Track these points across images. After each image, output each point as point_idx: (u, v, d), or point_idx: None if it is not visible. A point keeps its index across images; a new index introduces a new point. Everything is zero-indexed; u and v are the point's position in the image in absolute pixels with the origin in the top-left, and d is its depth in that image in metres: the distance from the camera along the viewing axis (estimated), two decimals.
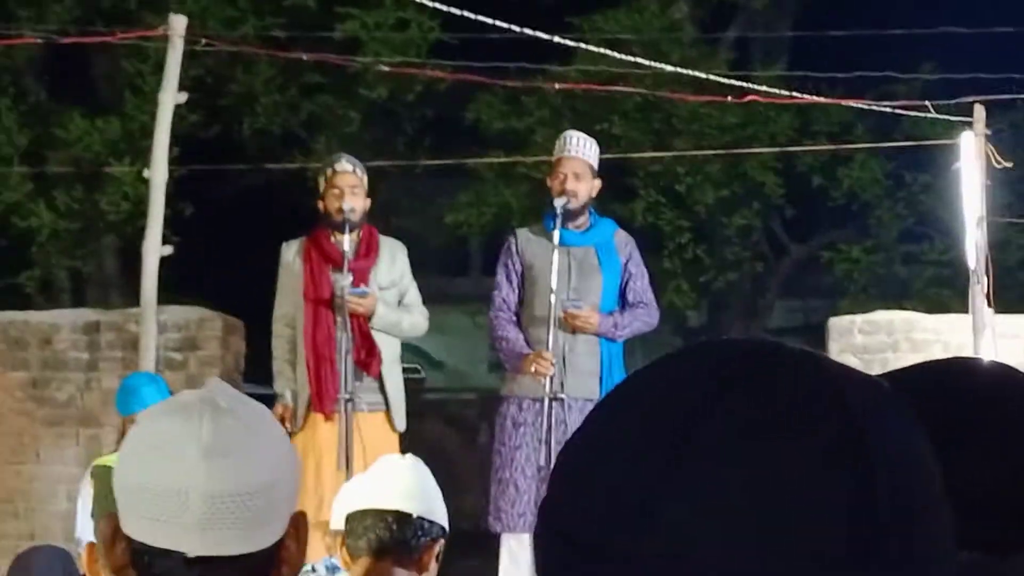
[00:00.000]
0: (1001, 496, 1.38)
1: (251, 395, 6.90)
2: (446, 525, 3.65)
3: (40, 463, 8.62)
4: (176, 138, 12.31)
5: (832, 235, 15.19)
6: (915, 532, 0.91)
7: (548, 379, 7.32)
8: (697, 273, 14.51)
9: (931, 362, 1.54)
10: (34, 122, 13.88)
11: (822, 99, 11.56)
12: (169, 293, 8.94)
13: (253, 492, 1.87)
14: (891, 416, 0.95)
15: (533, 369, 7.34)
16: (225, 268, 11.75)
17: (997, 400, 1.43)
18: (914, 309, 10.00)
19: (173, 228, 11.71)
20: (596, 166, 7.69)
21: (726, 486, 0.89)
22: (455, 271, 19.34)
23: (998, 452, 1.39)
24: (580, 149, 7.65)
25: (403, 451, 7.31)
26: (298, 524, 1.97)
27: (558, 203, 7.50)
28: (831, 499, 0.89)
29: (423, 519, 3.55)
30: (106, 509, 2.61)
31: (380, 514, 3.55)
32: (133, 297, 8.81)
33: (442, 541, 3.61)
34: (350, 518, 3.63)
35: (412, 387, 17.34)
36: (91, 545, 2.64)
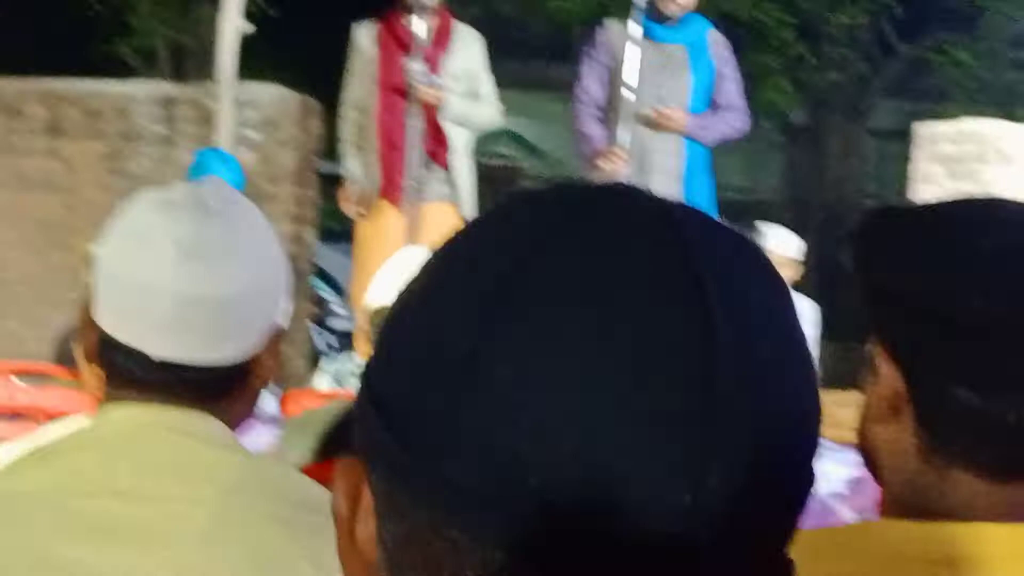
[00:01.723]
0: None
1: (328, 175, 6.88)
2: None
3: None
4: None
5: (941, 37, 14.79)
6: (765, 399, 0.80)
7: (627, 177, 7.23)
8: (800, 71, 14.24)
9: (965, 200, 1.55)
10: None
11: None
12: (253, 68, 8.90)
13: (229, 300, 1.81)
14: (742, 266, 0.84)
15: (606, 166, 7.26)
16: (305, 46, 11.65)
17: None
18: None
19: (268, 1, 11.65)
20: None
21: (553, 334, 0.79)
22: (555, 57, 19.10)
23: None
24: None
25: None
26: (277, 338, 1.92)
27: None
28: (665, 350, 0.78)
29: None
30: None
31: None
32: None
33: None
34: (373, 315, 3.59)
35: (508, 173, 17.35)
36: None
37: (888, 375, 1.50)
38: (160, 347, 1.80)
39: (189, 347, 1.81)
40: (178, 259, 1.78)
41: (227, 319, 1.81)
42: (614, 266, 0.81)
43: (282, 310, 1.92)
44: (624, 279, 0.80)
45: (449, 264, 0.87)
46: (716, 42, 7.63)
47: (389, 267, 3.84)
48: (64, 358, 4.68)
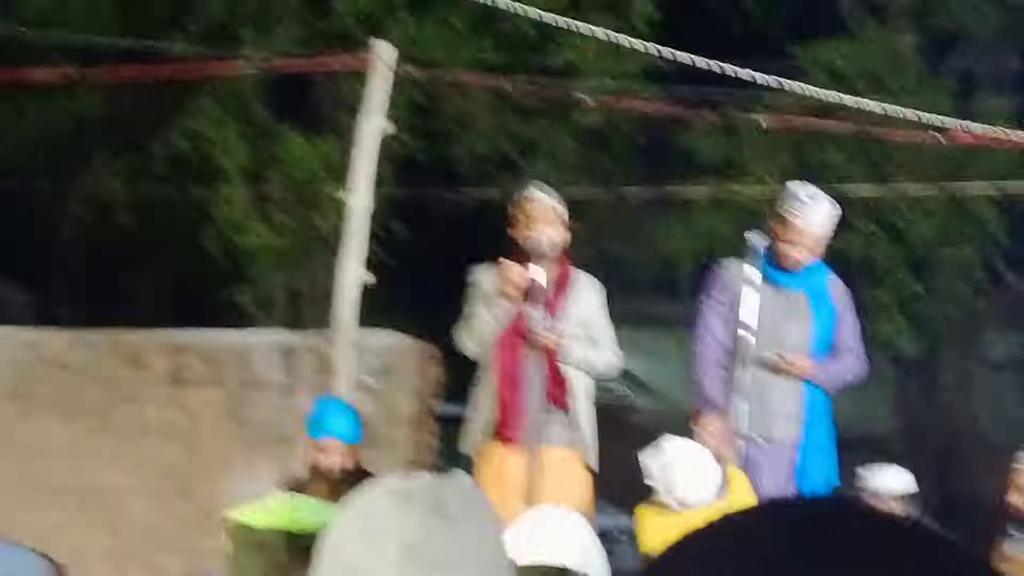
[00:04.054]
0: None
1: (449, 417, 6.82)
2: None
3: (236, 482, 8.71)
4: (391, 159, 12.46)
5: None
6: None
7: (745, 418, 7.15)
8: (913, 305, 14.18)
9: None
10: (256, 142, 14.09)
11: None
12: (375, 314, 8.97)
13: None
14: None
15: (701, 431, 7.05)
16: (421, 293, 11.84)
17: None
18: None
19: (386, 249, 11.84)
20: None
21: None
22: (667, 295, 19.21)
23: None
24: (818, 219, 7.32)
25: (595, 489, 7.25)
26: None
27: (759, 242, 7.32)
28: None
29: None
30: (242, 570, 2.59)
31: (547, 571, 3.74)
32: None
33: None
34: (522, 571, 3.71)
35: (619, 411, 17.30)
36: None
37: None
38: None
39: None
40: (401, 561, 1.75)
41: None
42: None
43: None
44: None
45: None
46: (836, 287, 7.59)
47: (521, 525, 3.88)
48: None
